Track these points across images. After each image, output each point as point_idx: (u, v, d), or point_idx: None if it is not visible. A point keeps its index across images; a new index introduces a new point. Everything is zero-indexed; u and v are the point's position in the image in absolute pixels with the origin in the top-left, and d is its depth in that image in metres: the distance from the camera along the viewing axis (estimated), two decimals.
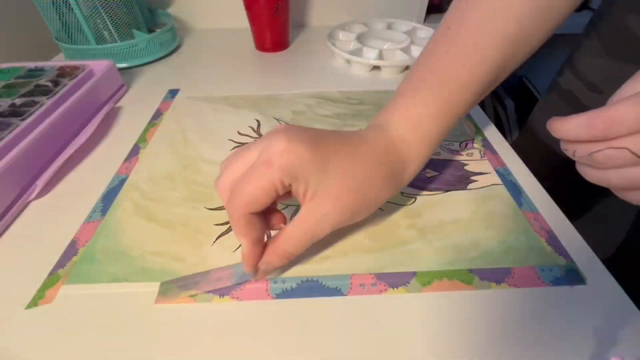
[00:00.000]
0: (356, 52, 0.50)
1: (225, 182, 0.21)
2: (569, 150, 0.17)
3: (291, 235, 0.22)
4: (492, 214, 0.29)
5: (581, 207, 0.52)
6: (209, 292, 0.23)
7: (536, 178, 0.32)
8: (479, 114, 0.40)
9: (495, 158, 0.34)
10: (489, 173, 0.33)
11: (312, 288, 0.24)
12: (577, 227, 0.27)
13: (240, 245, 0.26)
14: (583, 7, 0.67)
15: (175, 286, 0.24)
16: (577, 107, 0.43)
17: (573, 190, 0.45)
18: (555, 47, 0.74)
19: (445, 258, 0.25)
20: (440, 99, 0.25)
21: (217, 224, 0.28)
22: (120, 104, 0.44)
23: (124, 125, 0.40)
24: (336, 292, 0.24)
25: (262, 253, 0.23)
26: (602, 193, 0.48)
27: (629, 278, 0.25)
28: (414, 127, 0.25)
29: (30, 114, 0.33)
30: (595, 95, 0.41)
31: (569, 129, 0.16)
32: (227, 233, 0.27)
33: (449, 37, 0.26)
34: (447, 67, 0.25)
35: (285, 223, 0.24)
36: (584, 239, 0.26)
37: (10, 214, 0.29)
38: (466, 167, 0.33)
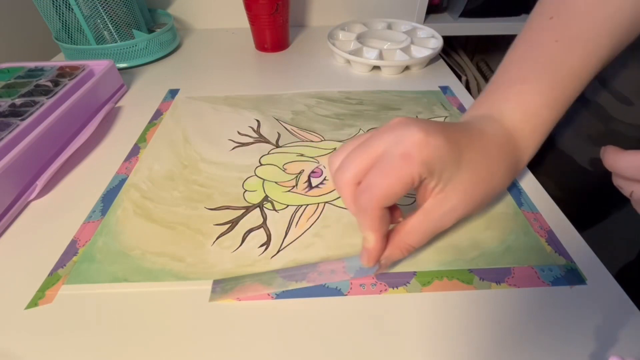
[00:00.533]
0: (356, 52, 0.50)
1: (350, 177, 0.20)
2: (624, 189, 0.15)
3: (414, 228, 0.21)
4: (492, 214, 0.29)
5: (594, 221, 0.50)
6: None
7: (550, 188, 0.31)
8: None
9: None
10: None
11: (312, 288, 0.24)
12: (587, 240, 0.27)
13: (240, 246, 0.26)
14: None
15: (280, 276, 0.23)
16: (604, 118, 0.40)
17: (587, 204, 0.44)
18: None
19: (445, 258, 0.25)
20: (554, 88, 0.24)
21: (217, 224, 0.28)
22: (120, 104, 0.44)
23: (124, 125, 0.40)
24: (336, 292, 0.24)
25: (385, 247, 0.22)
26: (616, 209, 0.47)
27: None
28: (530, 117, 0.24)
29: (30, 114, 0.33)
30: (624, 107, 0.39)
31: (629, 166, 0.14)
32: (227, 233, 0.27)
33: (554, 27, 0.25)
34: (558, 57, 0.24)
35: (402, 216, 0.23)
36: (594, 251, 0.26)
37: (10, 214, 0.29)
38: None
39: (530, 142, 0.25)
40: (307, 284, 0.23)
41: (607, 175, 0.19)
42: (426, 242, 0.22)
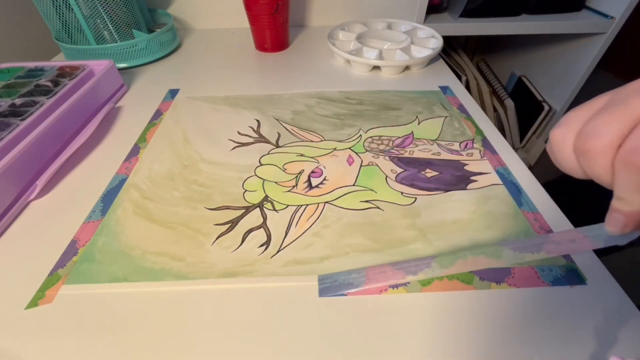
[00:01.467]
0: (356, 52, 0.50)
1: (613, 140, 0.17)
2: None
3: None
4: (492, 214, 0.29)
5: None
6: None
7: (557, 193, 0.31)
8: (478, 114, 0.40)
9: (495, 158, 0.34)
10: (489, 173, 0.33)
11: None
12: (596, 252, 0.26)
13: (240, 245, 0.26)
14: (581, 7, 0.67)
15: (510, 248, 0.21)
16: None
17: (596, 213, 0.43)
18: (555, 47, 0.74)
19: None
20: None
21: (217, 224, 0.28)
22: (120, 104, 0.44)
23: (124, 125, 0.40)
24: None
25: None
26: None
27: None
28: None
29: (30, 114, 0.33)
30: None
31: None
32: (227, 233, 0.27)
33: None
34: None
35: None
36: (601, 259, 0.26)
37: (10, 214, 0.29)
38: (466, 167, 0.33)
39: None
40: (546, 255, 0.21)
41: None
42: None
